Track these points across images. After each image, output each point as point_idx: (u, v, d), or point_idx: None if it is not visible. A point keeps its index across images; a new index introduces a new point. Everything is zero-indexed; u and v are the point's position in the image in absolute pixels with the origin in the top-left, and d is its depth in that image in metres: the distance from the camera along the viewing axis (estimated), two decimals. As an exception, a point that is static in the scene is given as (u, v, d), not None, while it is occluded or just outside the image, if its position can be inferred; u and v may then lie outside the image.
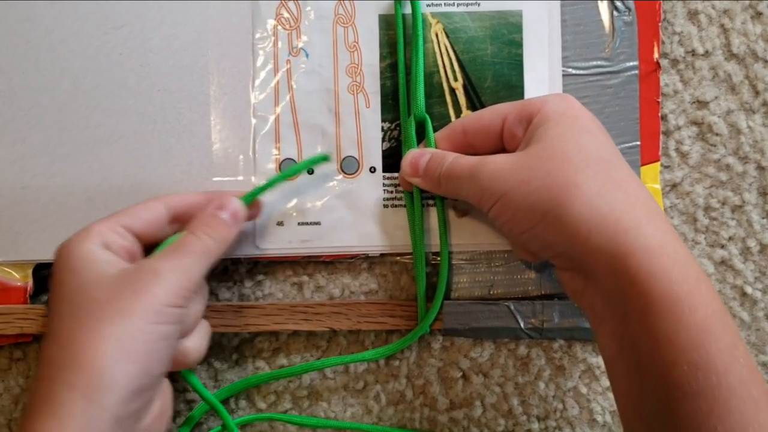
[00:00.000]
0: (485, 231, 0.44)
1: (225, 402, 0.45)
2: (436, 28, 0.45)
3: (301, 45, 0.45)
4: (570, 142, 0.35)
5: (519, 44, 0.45)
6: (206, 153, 0.45)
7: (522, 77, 0.45)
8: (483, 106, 0.43)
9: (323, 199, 0.45)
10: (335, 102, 0.45)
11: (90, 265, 0.36)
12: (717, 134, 0.45)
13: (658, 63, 0.45)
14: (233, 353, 0.46)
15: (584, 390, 0.45)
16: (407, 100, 0.44)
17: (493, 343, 0.45)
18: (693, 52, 0.46)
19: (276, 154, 0.45)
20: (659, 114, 0.45)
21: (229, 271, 0.46)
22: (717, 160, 0.45)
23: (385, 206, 0.45)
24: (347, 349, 0.46)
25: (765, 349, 0.45)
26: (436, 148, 0.42)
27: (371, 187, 0.45)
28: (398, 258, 0.46)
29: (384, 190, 0.45)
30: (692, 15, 0.46)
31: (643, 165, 0.45)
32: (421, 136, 0.44)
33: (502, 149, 0.40)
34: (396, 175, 0.45)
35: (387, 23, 0.45)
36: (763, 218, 0.45)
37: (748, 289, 0.45)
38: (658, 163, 0.45)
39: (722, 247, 0.46)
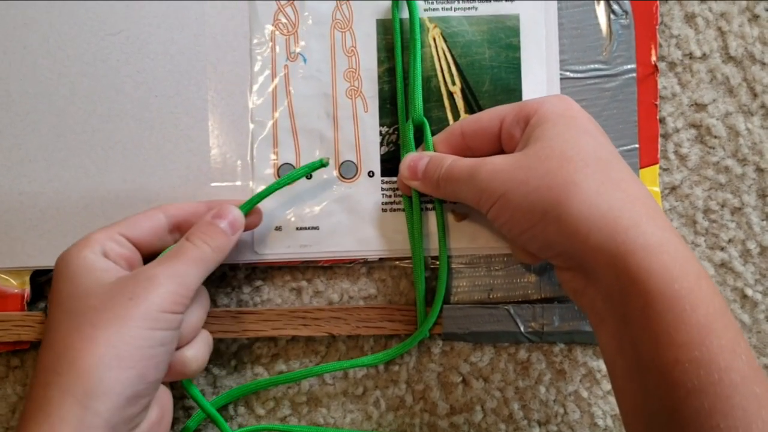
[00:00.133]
0: (484, 235, 0.44)
1: (223, 408, 0.45)
2: (434, 33, 0.45)
3: (298, 50, 0.45)
4: (569, 142, 0.35)
5: (516, 48, 0.45)
6: (204, 158, 0.45)
7: (520, 81, 0.45)
8: (481, 110, 0.43)
9: (322, 204, 0.45)
10: (333, 107, 0.45)
11: (88, 273, 0.36)
12: (716, 137, 0.45)
13: (655, 66, 0.45)
14: (232, 359, 0.45)
15: (585, 394, 0.45)
16: (405, 104, 0.44)
17: (493, 348, 0.45)
18: (690, 55, 0.46)
19: (274, 159, 0.45)
20: (657, 117, 0.45)
21: (227, 277, 0.46)
22: (716, 163, 0.45)
23: (384, 210, 0.45)
24: (346, 354, 0.46)
25: (766, 351, 0.45)
26: (435, 151, 0.42)
27: (370, 191, 0.45)
28: (397, 262, 0.45)
29: (382, 194, 0.45)
30: (689, 18, 0.46)
31: (641, 168, 0.45)
32: (420, 140, 0.44)
33: (500, 151, 0.40)
34: (394, 179, 0.45)
35: (385, 28, 0.45)
36: (762, 220, 0.45)
37: (749, 292, 0.45)
38: (657, 166, 0.45)
39: (722, 249, 0.45)
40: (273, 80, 0.45)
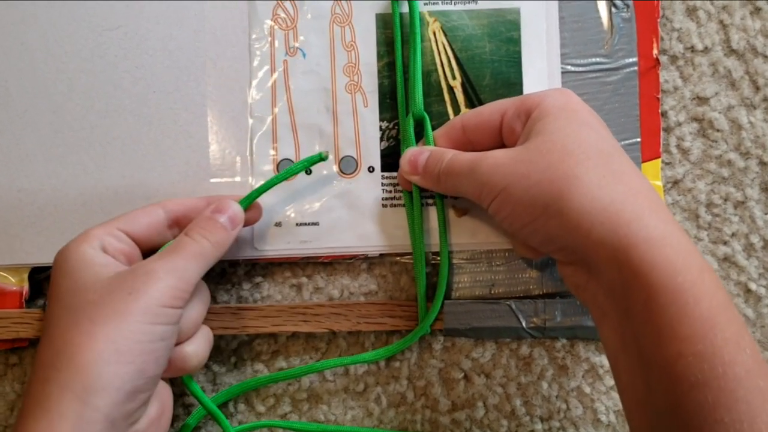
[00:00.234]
0: (485, 230, 0.44)
1: (223, 405, 0.45)
2: (434, 27, 0.45)
3: (297, 45, 0.45)
4: (570, 135, 0.35)
5: (517, 42, 0.45)
6: (203, 154, 0.45)
7: (521, 75, 0.45)
8: (482, 104, 0.43)
9: (321, 200, 0.44)
10: (333, 101, 0.45)
11: (86, 268, 0.36)
12: (718, 130, 0.45)
13: (657, 59, 0.44)
14: (232, 356, 0.45)
15: (588, 390, 0.44)
16: (405, 98, 0.44)
17: (494, 343, 0.45)
18: (692, 49, 0.45)
19: (273, 155, 0.45)
20: (659, 110, 0.45)
21: (227, 274, 0.45)
22: (718, 156, 0.45)
23: (384, 206, 0.44)
24: (347, 350, 0.45)
25: (770, 346, 0.45)
26: (435, 146, 0.42)
27: (370, 186, 0.45)
28: (398, 258, 0.45)
29: (383, 189, 0.44)
30: (691, 11, 0.46)
31: (644, 162, 0.44)
32: (420, 135, 0.43)
33: (501, 145, 0.40)
34: (395, 174, 0.44)
35: (384, 22, 0.45)
36: (765, 214, 0.45)
37: (752, 286, 0.45)
38: (659, 160, 0.44)
39: (725, 243, 0.45)
40: (272, 75, 0.45)
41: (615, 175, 0.34)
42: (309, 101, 0.45)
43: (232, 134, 0.45)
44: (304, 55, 0.45)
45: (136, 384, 0.33)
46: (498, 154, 0.37)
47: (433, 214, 0.44)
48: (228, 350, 0.45)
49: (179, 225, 0.40)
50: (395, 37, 0.44)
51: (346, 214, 0.44)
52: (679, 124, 0.45)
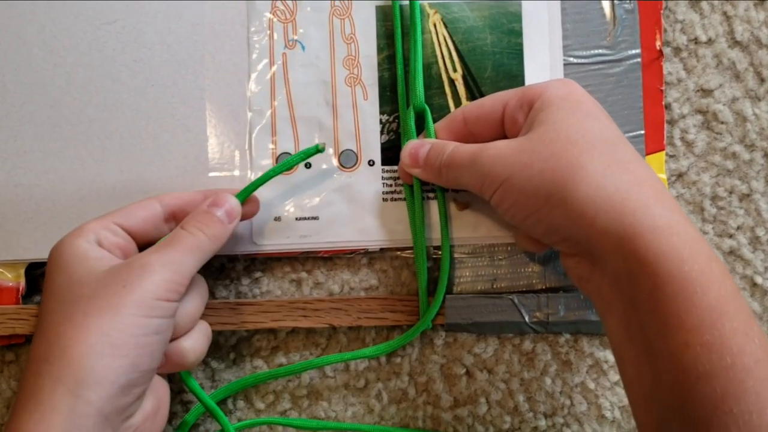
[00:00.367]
0: (487, 223, 0.43)
1: (222, 402, 0.44)
2: (434, 19, 0.44)
3: (297, 38, 0.44)
4: (574, 125, 0.35)
5: (519, 33, 0.44)
6: (201, 148, 0.44)
7: (522, 67, 0.44)
8: (483, 97, 0.42)
9: (321, 194, 0.44)
10: (332, 95, 0.44)
11: (81, 262, 0.35)
12: (722, 122, 0.45)
13: (660, 51, 0.44)
14: (230, 352, 0.45)
15: (592, 385, 0.44)
16: (406, 91, 0.43)
17: (497, 339, 0.44)
18: (696, 40, 0.45)
19: (272, 148, 0.44)
20: (663, 102, 0.44)
21: (225, 269, 0.45)
22: (723, 149, 0.45)
23: (385, 200, 0.44)
24: (347, 346, 0.45)
25: (777, 341, 0.44)
26: (436, 138, 0.41)
27: (370, 180, 0.44)
28: (398, 253, 0.44)
29: (383, 183, 0.44)
30: (694, 3, 0.45)
31: (647, 154, 0.44)
32: (421, 128, 0.43)
33: (503, 137, 0.39)
34: (395, 168, 0.44)
35: (384, 14, 0.44)
36: (771, 207, 0.44)
37: (758, 279, 0.44)
38: (663, 153, 0.44)
39: (731, 236, 0.44)
40: (271, 68, 0.44)
41: (620, 164, 0.33)
42: (308, 94, 0.44)
43: (230, 128, 0.44)
44: (303, 48, 0.45)
45: (130, 377, 0.33)
46: (500, 145, 0.36)
47: (434, 207, 0.43)
48: (227, 346, 0.45)
49: (176, 219, 0.40)
50: (395, 30, 0.44)
51: (346, 209, 0.44)
52: (683, 117, 0.45)
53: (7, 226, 0.44)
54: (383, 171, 0.44)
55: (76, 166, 0.44)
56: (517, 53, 0.44)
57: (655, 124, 0.44)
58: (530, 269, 0.43)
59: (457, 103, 0.44)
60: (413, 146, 0.41)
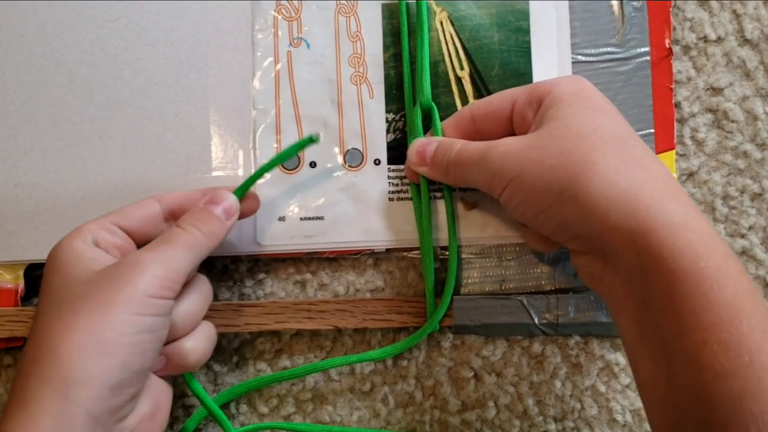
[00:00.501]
0: (495, 223, 0.43)
1: (225, 407, 0.43)
2: (441, 17, 0.44)
3: (302, 35, 0.44)
4: (584, 121, 0.34)
5: (526, 31, 0.44)
6: (205, 147, 0.43)
7: (530, 65, 0.44)
8: (490, 95, 0.42)
9: (326, 193, 0.43)
10: (338, 93, 0.44)
11: (76, 262, 0.34)
12: (733, 121, 0.44)
13: (670, 49, 0.43)
14: (233, 355, 0.44)
15: (603, 388, 0.43)
16: (412, 89, 0.43)
17: (505, 341, 0.43)
18: (705, 38, 0.44)
19: (277, 147, 0.43)
20: (673, 101, 0.43)
21: (228, 270, 0.44)
22: (734, 148, 0.44)
23: (391, 199, 0.43)
24: (353, 349, 0.44)
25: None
26: (444, 136, 0.41)
27: (376, 179, 0.43)
28: (405, 253, 0.44)
29: (389, 182, 0.43)
30: (703, 1, 0.45)
31: (657, 153, 0.43)
32: (428, 126, 0.42)
33: (511, 135, 0.38)
34: (401, 167, 0.43)
35: (390, 12, 0.44)
36: (783, 207, 0.44)
37: (772, 280, 0.43)
38: (674, 151, 0.43)
39: (743, 236, 0.44)
40: (276, 66, 0.44)
41: (632, 160, 0.32)
42: (313, 93, 0.44)
43: (234, 127, 0.44)
44: (308, 45, 0.44)
45: (120, 377, 0.32)
46: (509, 142, 0.35)
47: (441, 207, 0.43)
48: (229, 349, 0.44)
49: (175, 218, 0.39)
50: (402, 27, 0.43)
51: (352, 208, 0.43)
52: (693, 115, 0.44)
53: (6, 226, 0.43)
54: (389, 170, 0.43)
55: (77, 166, 0.43)
56: (524, 51, 0.43)
57: (664, 122, 0.43)
58: (539, 270, 0.43)
59: (464, 101, 0.43)
60: (420, 144, 0.40)
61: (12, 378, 0.43)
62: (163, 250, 0.35)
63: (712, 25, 0.44)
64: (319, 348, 0.44)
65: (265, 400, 0.44)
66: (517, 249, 0.43)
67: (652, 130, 0.43)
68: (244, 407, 0.44)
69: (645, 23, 0.44)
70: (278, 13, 0.44)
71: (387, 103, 0.44)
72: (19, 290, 0.43)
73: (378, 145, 0.43)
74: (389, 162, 0.43)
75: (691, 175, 0.44)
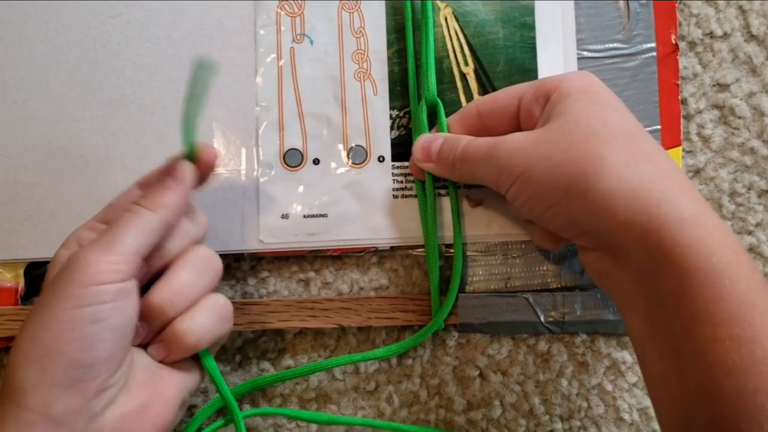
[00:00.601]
0: (500, 221, 0.42)
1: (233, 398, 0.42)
2: (445, 12, 0.43)
3: (305, 32, 0.44)
4: (593, 116, 0.34)
5: (532, 27, 0.43)
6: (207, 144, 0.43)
7: (535, 61, 0.43)
8: (496, 91, 0.42)
9: (330, 191, 0.43)
10: (341, 89, 0.43)
11: (54, 272, 0.34)
12: (740, 117, 0.44)
13: (676, 45, 0.43)
14: (236, 354, 0.43)
15: (609, 387, 0.42)
16: (417, 85, 0.42)
17: (511, 340, 0.43)
18: (711, 34, 0.44)
19: (279, 144, 0.43)
20: (679, 97, 0.43)
21: (231, 269, 0.44)
22: (741, 144, 0.44)
23: (395, 197, 0.43)
24: (357, 348, 0.43)
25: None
26: (449, 132, 0.40)
27: (380, 176, 0.43)
28: (409, 251, 0.43)
29: (393, 179, 0.43)
30: (709, -3, 0.44)
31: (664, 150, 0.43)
32: (433, 123, 0.42)
33: (518, 131, 0.38)
34: (406, 164, 0.43)
35: (394, 8, 0.44)
36: (791, 203, 0.43)
37: (780, 277, 0.43)
38: (680, 148, 0.43)
39: (750, 233, 0.43)
40: (279, 63, 0.43)
41: (643, 155, 0.32)
42: (316, 89, 0.43)
43: (237, 124, 0.43)
44: (311, 42, 0.44)
45: (70, 375, 0.31)
46: (517, 137, 0.35)
47: (445, 204, 0.42)
48: (233, 348, 0.43)
49: None
50: (406, 23, 0.43)
51: (356, 206, 0.43)
52: (700, 112, 0.44)
53: (6, 225, 0.43)
54: (393, 167, 0.43)
55: (79, 164, 0.43)
56: (530, 47, 0.43)
57: (671, 119, 0.43)
58: (545, 267, 0.42)
59: (469, 97, 0.43)
60: (425, 140, 0.40)
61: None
62: (105, 235, 0.33)
63: (718, 21, 0.44)
64: (323, 347, 0.43)
65: (268, 399, 0.43)
66: (523, 246, 0.43)
67: (659, 127, 0.43)
68: (247, 407, 0.43)
69: (651, 19, 0.43)
70: (281, 9, 0.44)
71: (391, 100, 0.43)
72: (19, 289, 0.42)
73: (382, 142, 0.43)
74: (393, 159, 0.43)
75: (697, 171, 0.44)
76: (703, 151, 0.44)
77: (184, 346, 0.35)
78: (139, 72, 0.43)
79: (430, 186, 0.41)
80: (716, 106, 0.44)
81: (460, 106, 0.42)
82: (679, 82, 0.43)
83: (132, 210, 0.34)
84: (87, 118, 0.43)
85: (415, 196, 0.43)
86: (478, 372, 0.43)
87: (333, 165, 0.43)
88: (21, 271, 0.43)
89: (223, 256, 0.42)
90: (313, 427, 0.43)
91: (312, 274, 0.44)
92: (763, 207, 0.43)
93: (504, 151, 0.35)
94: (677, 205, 0.30)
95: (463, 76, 0.43)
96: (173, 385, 0.36)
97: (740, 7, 0.44)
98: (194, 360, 0.38)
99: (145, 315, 0.34)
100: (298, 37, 0.44)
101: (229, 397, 0.39)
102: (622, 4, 0.43)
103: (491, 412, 0.43)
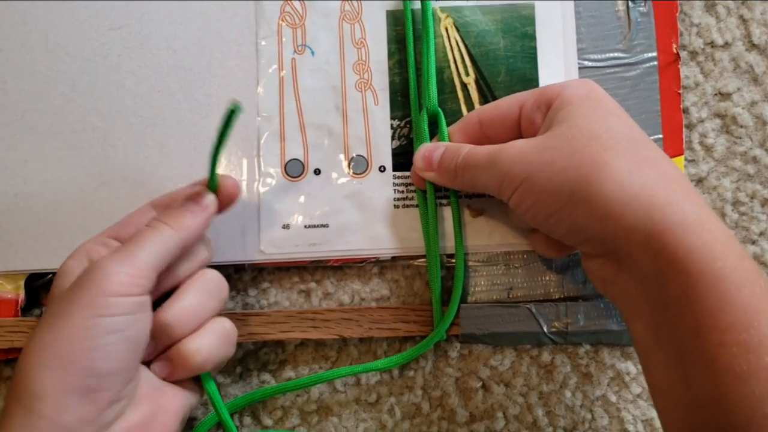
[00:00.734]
0: (502, 230, 0.42)
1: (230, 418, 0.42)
2: (446, 23, 0.43)
3: (306, 43, 0.44)
4: (596, 122, 0.34)
5: (532, 37, 0.43)
6: (208, 156, 0.43)
7: (536, 70, 0.43)
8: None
9: (331, 201, 0.43)
10: (342, 100, 0.43)
11: (63, 283, 0.34)
12: (742, 126, 0.43)
13: (677, 54, 0.43)
14: (237, 366, 0.43)
15: (614, 398, 0.42)
16: (418, 95, 0.42)
17: (514, 350, 0.43)
18: (712, 44, 0.44)
19: (281, 155, 0.43)
20: (681, 106, 0.43)
21: (232, 279, 0.43)
22: (743, 153, 0.43)
23: (396, 207, 0.43)
24: (358, 359, 0.43)
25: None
26: (450, 141, 0.40)
27: (381, 186, 0.43)
28: (411, 261, 0.43)
29: (395, 189, 0.43)
30: (710, 7, 0.44)
31: (666, 159, 0.43)
32: (434, 132, 0.42)
33: (519, 139, 0.38)
34: (407, 173, 0.43)
35: (395, 19, 0.44)
36: (794, 212, 0.43)
37: (784, 286, 0.43)
38: (683, 157, 0.43)
39: (753, 243, 0.43)
40: (280, 74, 0.43)
41: (645, 161, 0.32)
42: (318, 100, 0.43)
43: (238, 134, 0.43)
44: (312, 53, 0.44)
45: (85, 384, 0.31)
46: (519, 144, 0.35)
47: (447, 214, 0.42)
48: (233, 360, 0.43)
49: None
50: (407, 33, 0.43)
51: (357, 216, 0.43)
52: (702, 121, 0.44)
53: (6, 236, 0.42)
54: (395, 177, 0.43)
55: (79, 175, 0.43)
56: (530, 57, 0.43)
57: (673, 128, 0.43)
58: (547, 277, 0.42)
59: (470, 107, 0.43)
60: (427, 149, 0.40)
61: (11, 391, 0.43)
62: (125, 248, 0.34)
63: (719, 31, 0.44)
64: (324, 358, 0.43)
65: (269, 411, 0.43)
66: (525, 256, 0.42)
67: (661, 136, 0.43)
68: (247, 419, 0.43)
69: (652, 28, 0.43)
70: (282, 20, 0.44)
71: (392, 110, 0.43)
72: (20, 301, 0.42)
73: (383, 152, 0.43)
74: (394, 169, 0.43)
75: (700, 180, 0.43)
76: (705, 160, 0.44)
77: (189, 366, 0.35)
78: (140, 83, 0.43)
79: (432, 196, 0.41)
80: (718, 115, 0.44)
81: (461, 116, 0.42)
82: (680, 91, 0.43)
83: (155, 226, 0.35)
84: (87, 129, 0.43)
85: (417, 206, 0.42)
86: (480, 383, 0.42)
87: (334, 175, 0.43)
88: (21, 283, 0.42)
89: (224, 267, 0.42)
90: (314, 439, 0.42)
91: (313, 284, 0.43)
92: (767, 216, 0.43)
93: (506, 158, 0.35)
94: (681, 210, 0.30)
95: (464, 86, 0.43)
96: (176, 401, 0.36)
97: (741, 17, 0.44)
98: (195, 378, 0.38)
99: (153, 332, 0.35)
100: (300, 48, 0.44)
101: (229, 423, 0.39)
102: (622, 13, 0.43)
103: (494, 424, 0.42)
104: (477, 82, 0.43)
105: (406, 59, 0.43)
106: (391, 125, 0.43)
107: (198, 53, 0.44)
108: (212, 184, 0.38)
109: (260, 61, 0.44)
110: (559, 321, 0.41)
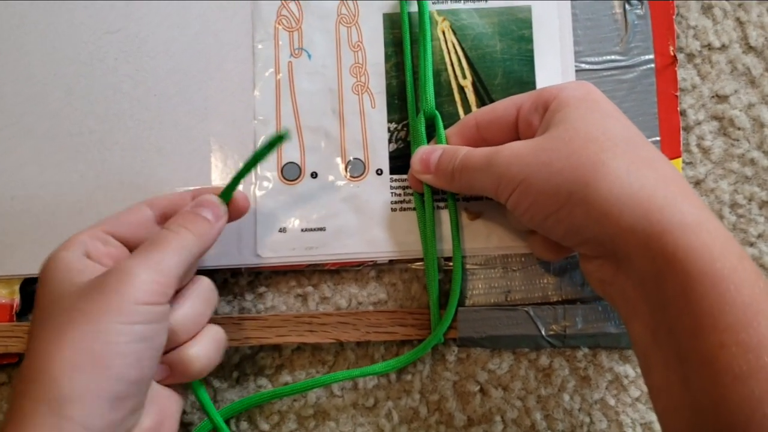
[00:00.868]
0: (500, 233, 0.42)
1: (225, 424, 0.42)
2: (443, 26, 0.43)
3: (302, 46, 0.44)
4: (593, 123, 0.33)
5: (529, 40, 0.43)
6: (205, 159, 0.43)
7: (533, 73, 0.43)
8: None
9: (328, 204, 0.42)
10: (339, 103, 0.43)
11: (64, 276, 0.33)
12: (739, 128, 0.43)
13: (674, 56, 0.43)
14: (233, 371, 0.43)
15: (612, 401, 0.42)
16: (415, 98, 0.42)
17: (512, 354, 0.42)
18: (709, 46, 0.44)
19: (278, 158, 0.43)
20: (678, 108, 0.43)
21: (228, 284, 0.43)
22: (741, 155, 0.43)
23: (393, 210, 0.42)
24: (356, 363, 0.43)
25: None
26: (448, 144, 0.40)
27: (378, 190, 0.43)
28: (408, 265, 0.43)
29: (392, 192, 0.43)
30: (706, 9, 0.44)
31: (663, 161, 0.43)
32: (431, 135, 0.42)
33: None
34: (404, 176, 0.43)
35: (392, 22, 0.44)
36: (793, 215, 0.43)
37: (783, 289, 0.42)
38: (680, 159, 0.43)
39: (751, 245, 0.43)
40: (276, 77, 0.43)
41: (643, 162, 0.32)
42: (314, 103, 0.43)
43: (235, 138, 0.43)
44: (309, 56, 0.44)
45: (117, 390, 0.30)
46: (516, 145, 0.35)
47: (444, 217, 0.42)
48: (230, 364, 0.43)
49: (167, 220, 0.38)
50: (404, 36, 0.43)
51: (354, 219, 0.42)
52: (699, 123, 0.44)
53: (2, 240, 0.42)
54: (392, 180, 0.43)
55: (76, 179, 0.43)
56: (527, 60, 0.43)
57: (670, 130, 0.43)
58: (545, 280, 0.42)
59: (467, 110, 0.43)
60: (424, 152, 0.40)
61: (6, 396, 0.42)
62: (151, 253, 0.33)
63: (716, 33, 0.44)
64: (321, 363, 0.43)
65: (266, 416, 0.42)
66: (523, 259, 0.42)
67: (658, 138, 0.43)
68: (244, 424, 0.42)
69: (648, 31, 0.43)
70: (279, 23, 0.44)
71: (389, 113, 0.43)
72: (15, 305, 0.42)
73: (380, 155, 0.43)
74: (391, 172, 0.43)
75: (698, 183, 0.43)
76: (703, 163, 0.44)
77: (189, 372, 0.35)
78: (137, 87, 0.43)
79: (429, 198, 0.41)
80: (715, 118, 0.44)
81: (459, 119, 0.42)
82: (677, 94, 0.43)
83: (177, 232, 0.35)
84: (84, 133, 0.43)
85: (414, 209, 0.42)
86: (478, 387, 0.42)
87: (331, 178, 0.43)
88: (16, 287, 0.42)
89: (220, 272, 0.42)
90: (311, 444, 0.42)
91: (310, 288, 0.43)
92: (765, 218, 0.43)
93: (503, 159, 0.35)
94: (679, 211, 0.30)
95: (461, 89, 0.43)
96: (173, 404, 0.36)
97: (738, 19, 0.44)
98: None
99: None
100: (296, 51, 0.44)
101: (222, 428, 0.39)
102: (619, 16, 0.43)
103: (492, 428, 0.42)
104: (474, 84, 0.43)
105: (403, 62, 0.43)
106: (388, 128, 0.43)
107: (195, 57, 0.44)
108: (227, 195, 0.38)
109: (257, 65, 0.43)
110: (557, 324, 0.41)
